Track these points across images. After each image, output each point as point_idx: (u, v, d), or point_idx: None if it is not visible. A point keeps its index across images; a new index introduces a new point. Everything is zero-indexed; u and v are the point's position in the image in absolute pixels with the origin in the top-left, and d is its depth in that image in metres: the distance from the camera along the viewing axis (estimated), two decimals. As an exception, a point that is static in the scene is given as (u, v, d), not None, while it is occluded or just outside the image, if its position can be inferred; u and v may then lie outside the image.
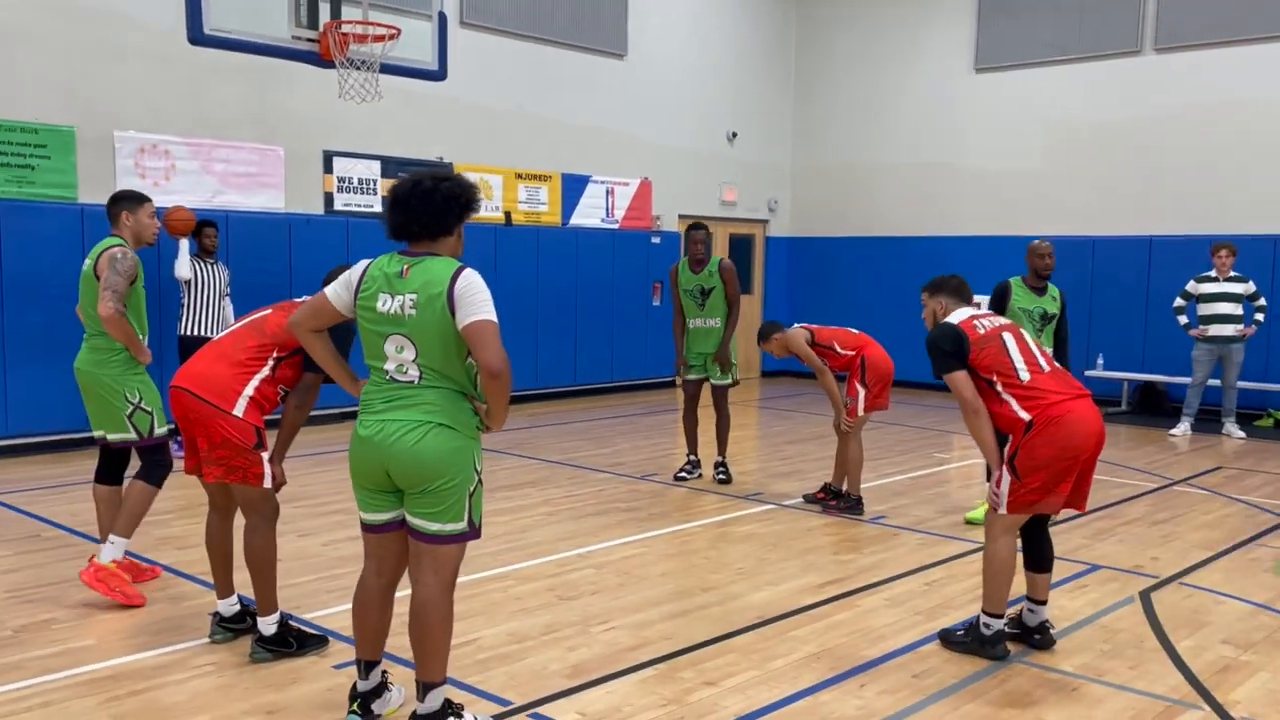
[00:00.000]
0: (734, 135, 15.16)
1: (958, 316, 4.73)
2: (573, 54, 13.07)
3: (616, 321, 13.54)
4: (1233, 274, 10.76)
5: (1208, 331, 10.75)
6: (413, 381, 3.50)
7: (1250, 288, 10.73)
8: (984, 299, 13.74)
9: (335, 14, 7.62)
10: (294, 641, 4.49)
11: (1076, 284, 13.14)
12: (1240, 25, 12.10)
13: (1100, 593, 5.58)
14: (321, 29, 7.50)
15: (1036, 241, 7.13)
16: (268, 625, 4.46)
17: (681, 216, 14.57)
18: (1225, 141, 12.22)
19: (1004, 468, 4.49)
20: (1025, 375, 4.48)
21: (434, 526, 3.51)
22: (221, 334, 4.68)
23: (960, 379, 4.54)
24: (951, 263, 12.79)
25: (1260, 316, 10.72)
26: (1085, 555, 6.27)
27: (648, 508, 7.40)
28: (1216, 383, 11.01)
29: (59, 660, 4.43)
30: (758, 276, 16.02)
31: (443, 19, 8.32)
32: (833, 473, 7.52)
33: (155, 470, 5.28)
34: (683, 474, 8.30)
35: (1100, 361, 12.77)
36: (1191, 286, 10.96)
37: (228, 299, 9.18)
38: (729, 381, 8.15)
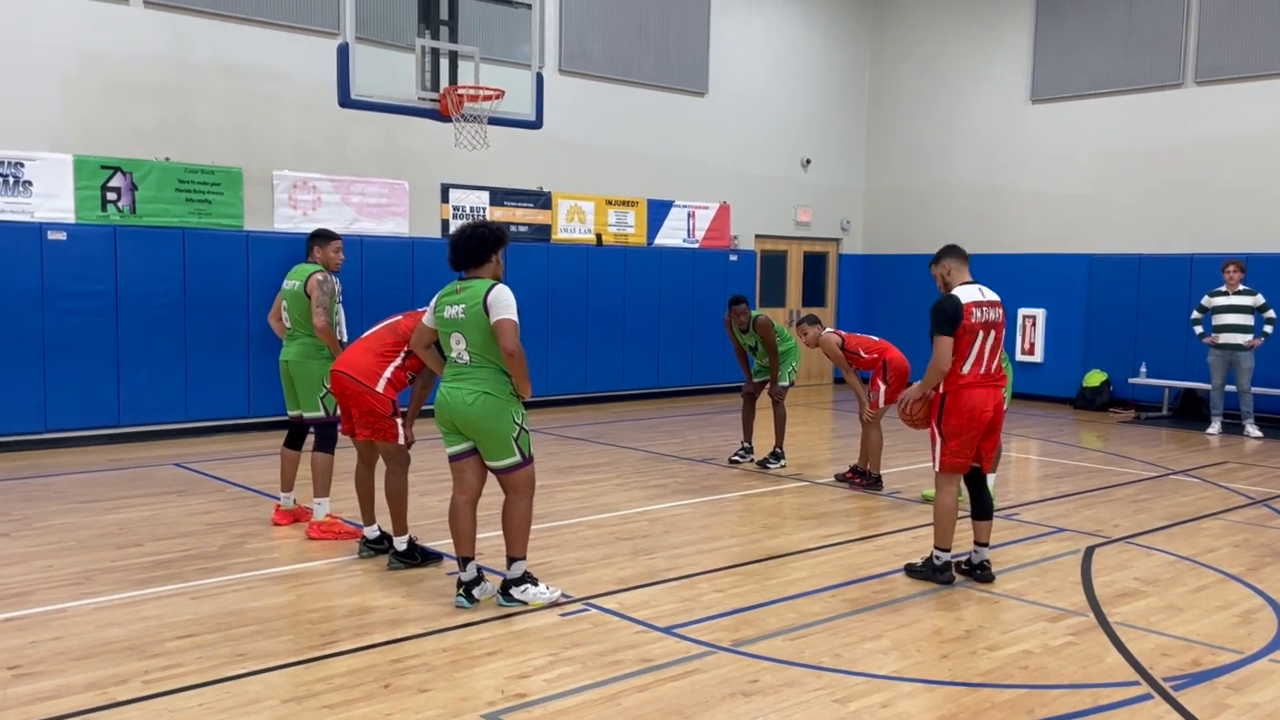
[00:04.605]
0: (808, 162, 16.58)
1: (967, 295, 5.88)
2: (658, 94, 14.70)
3: (696, 331, 15.09)
4: (1241, 288, 11.77)
5: (1218, 339, 11.79)
6: (467, 363, 5.22)
7: (1259, 300, 11.72)
8: (1040, 312, 14.81)
9: (453, 79, 9.36)
10: (419, 556, 6.17)
11: (1123, 298, 14.22)
12: (1274, 60, 13.02)
13: (1055, 547, 6.88)
14: (441, 92, 9.25)
15: None
16: (400, 543, 6.14)
17: (758, 236, 16.07)
18: (1261, 167, 13.14)
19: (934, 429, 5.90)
20: (966, 369, 5.84)
21: (496, 464, 5.28)
22: (366, 333, 6.38)
23: (945, 342, 5.81)
24: (1011, 277, 14.17)
25: (1269, 328, 11.69)
26: (1058, 522, 7.56)
27: (701, 482, 8.92)
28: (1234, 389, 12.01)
29: (254, 564, 6.20)
30: (831, 291, 17.39)
31: (539, 79, 9.98)
32: (859, 456, 8.91)
33: (329, 442, 6.93)
34: (736, 458, 9.79)
35: (1143, 370, 13.78)
36: (1206, 300, 12.04)
37: (340, 306, 10.87)
38: (786, 383, 9.61)
